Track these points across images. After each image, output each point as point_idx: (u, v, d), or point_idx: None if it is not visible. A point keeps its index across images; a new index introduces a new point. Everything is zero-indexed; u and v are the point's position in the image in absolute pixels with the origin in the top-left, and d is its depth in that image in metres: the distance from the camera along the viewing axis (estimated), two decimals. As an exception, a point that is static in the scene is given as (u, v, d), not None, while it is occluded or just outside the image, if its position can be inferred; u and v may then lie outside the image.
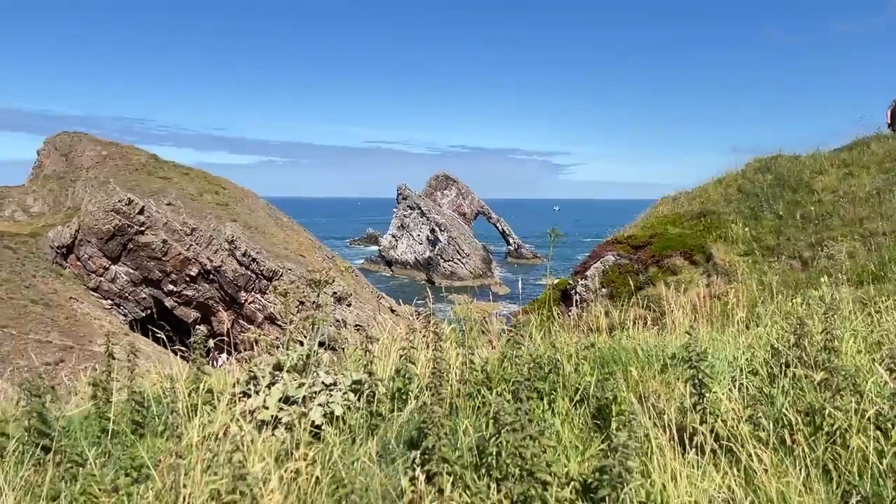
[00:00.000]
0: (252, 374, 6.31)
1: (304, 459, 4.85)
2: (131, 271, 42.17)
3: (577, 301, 21.49)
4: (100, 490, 4.72)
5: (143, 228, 41.44)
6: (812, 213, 19.74)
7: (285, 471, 4.71)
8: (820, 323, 5.77)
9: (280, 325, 38.55)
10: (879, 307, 7.38)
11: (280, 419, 5.82)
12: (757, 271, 17.42)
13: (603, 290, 22.39)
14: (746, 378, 5.42)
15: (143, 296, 42.49)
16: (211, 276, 42.78)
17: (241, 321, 42.51)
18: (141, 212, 41.44)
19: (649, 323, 9.10)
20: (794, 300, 8.31)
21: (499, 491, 4.30)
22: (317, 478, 4.87)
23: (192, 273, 42.39)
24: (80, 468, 5.08)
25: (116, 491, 4.82)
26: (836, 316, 5.44)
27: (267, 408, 5.85)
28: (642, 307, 10.55)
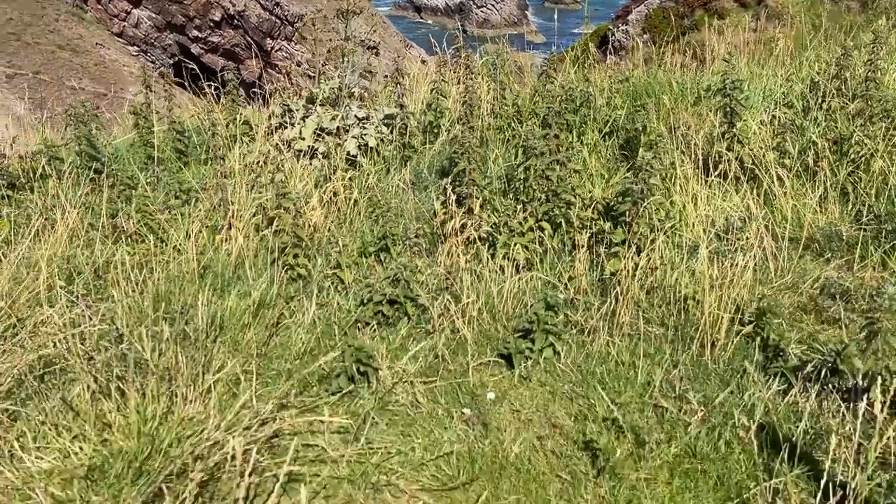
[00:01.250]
0: (286, 106, 6.39)
1: (342, 181, 5.10)
2: (154, 16, 40.85)
3: (615, 47, 20.61)
4: (154, 209, 5.06)
5: (159, -32, 39.33)
6: (883, -54, 17.86)
7: (324, 191, 4.99)
8: (866, 54, 5.54)
9: (309, 74, 37.91)
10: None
11: (316, 149, 6.02)
12: (811, 14, 16.30)
13: (644, 35, 21.31)
14: (780, 110, 5.36)
15: (169, 42, 41.60)
16: (235, 21, 41.34)
17: (269, 70, 41.88)
18: (155, -51, 39.02)
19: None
20: (844, 41, 7.88)
21: (525, 211, 4.54)
22: (354, 200, 5.17)
23: (216, 18, 40.95)
24: (133, 190, 5.39)
25: (169, 210, 5.18)
26: (882, 47, 5.18)
27: (303, 138, 6.01)
28: (683, 53, 10.12)
